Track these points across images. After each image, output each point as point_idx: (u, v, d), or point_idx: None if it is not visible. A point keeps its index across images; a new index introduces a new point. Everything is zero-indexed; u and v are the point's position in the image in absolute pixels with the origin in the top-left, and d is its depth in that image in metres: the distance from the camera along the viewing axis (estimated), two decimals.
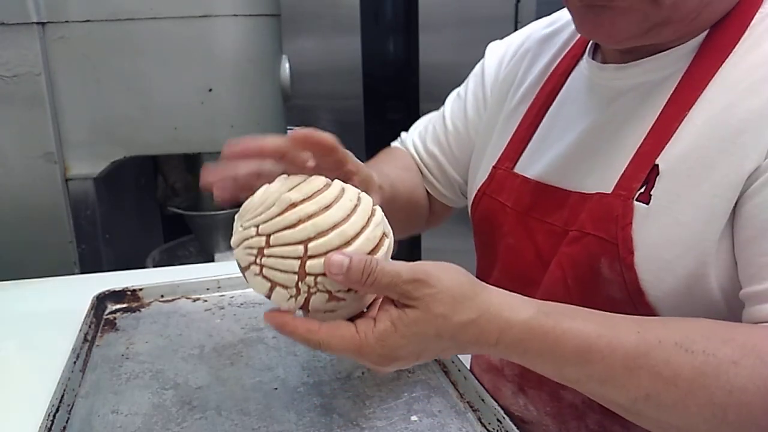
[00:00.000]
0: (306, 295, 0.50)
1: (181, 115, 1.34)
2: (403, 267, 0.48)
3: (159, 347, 0.82)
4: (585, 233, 0.62)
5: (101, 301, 0.91)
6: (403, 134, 0.96)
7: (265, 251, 0.49)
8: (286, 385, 0.72)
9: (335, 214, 0.49)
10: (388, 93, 2.20)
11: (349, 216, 0.50)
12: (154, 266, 1.51)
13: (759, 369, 0.48)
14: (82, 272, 1.34)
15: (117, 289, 0.94)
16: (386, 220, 0.54)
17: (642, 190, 0.59)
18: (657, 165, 0.59)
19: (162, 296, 0.94)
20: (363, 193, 0.54)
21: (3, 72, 1.23)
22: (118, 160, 1.35)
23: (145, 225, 1.80)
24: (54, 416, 0.65)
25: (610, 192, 0.61)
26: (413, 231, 0.95)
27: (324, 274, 0.49)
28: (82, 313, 0.87)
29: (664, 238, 0.57)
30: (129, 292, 0.94)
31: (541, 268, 0.68)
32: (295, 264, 0.49)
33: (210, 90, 1.34)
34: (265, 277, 0.50)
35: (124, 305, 0.93)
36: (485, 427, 0.65)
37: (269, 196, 0.51)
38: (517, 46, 0.84)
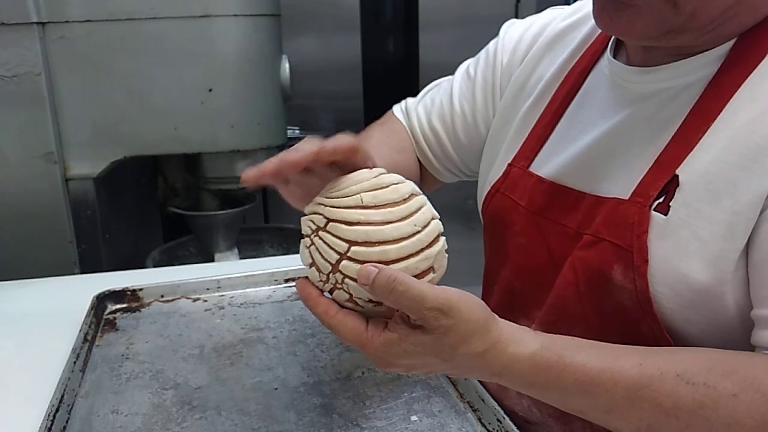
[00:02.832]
0: (332, 286, 0.52)
1: (181, 115, 1.34)
2: (430, 293, 0.49)
3: (159, 347, 0.82)
4: (600, 238, 0.62)
5: (101, 301, 0.91)
6: (409, 102, 0.93)
7: (320, 233, 0.53)
8: (286, 385, 0.72)
9: (389, 233, 0.51)
10: (388, 93, 2.20)
11: (401, 240, 0.51)
12: (154, 266, 1.51)
13: (757, 403, 0.49)
14: (82, 272, 1.34)
15: (117, 289, 0.94)
16: (444, 253, 0.55)
17: (661, 200, 0.58)
18: (677, 176, 0.58)
19: (162, 296, 0.94)
20: (436, 221, 0.54)
21: (3, 72, 1.23)
22: (118, 160, 1.35)
23: (145, 225, 1.80)
24: (54, 416, 0.65)
25: (627, 198, 0.61)
26: None
27: (351, 278, 0.51)
28: (82, 313, 0.87)
29: (681, 251, 0.57)
30: (129, 292, 0.94)
31: (553, 270, 0.68)
32: (335, 257, 0.51)
33: (210, 90, 1.34)
34: (310, 253, 0.53)
35: (124, 305, 0.93)
36: (485, 427, 0.65)
37: (352, 185, 0.54)
38: (534, 36, 0.82)
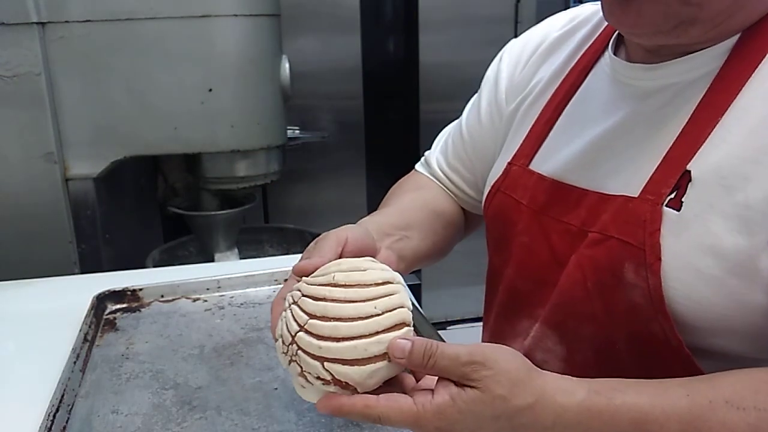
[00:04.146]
0: (289, 359, 0.53)
1: (181, 115, 1.34)
2: (462, 350, 0.49)
3: (159, 347, 0.82)
4: (608, 236, 0.61)
5: (101, 301, 0.91)
6: (427, 153, 0.94)
7: (291, 306, 0.54)
8: (286, 385, 0.72)
9: (345, 311, 0.51)
10: (388, 93, 2.20)
11: (357, 319, 0.51)
12: (154, 266, 1.51)
13: None
14: (82, 272, 1.34)
15: (117, 289, 0.94)
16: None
17: (672, 196, 0.58)
18: (689, 171, 0.57)
19: (162, 296, 0.94)
20: (404, 310, 0.53)
21: (3, 72, 1.23)
22: (118, 160, 1.35)
23: (145, 225, 1.80)
24: (54, 416, 0.65)
25: (636, 195, 0.60)
26: (455, 239, 0.92)
27: (304, 352, 0.51)
28: (82, 313, 0.87)
29: (695, 247, 0.56)
30: (129, 292, 0.94)
31: (556, 268, 0.67)
32: (295, 328, 0.52)
33: (210, 90, 1.34)
34: (280, 324, 0.54)
35: (124, 305, 0.93)
36: None
37: (333, 267, 0.55)
38: (534, 47, 0.82)
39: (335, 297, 0.52)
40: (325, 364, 0.50)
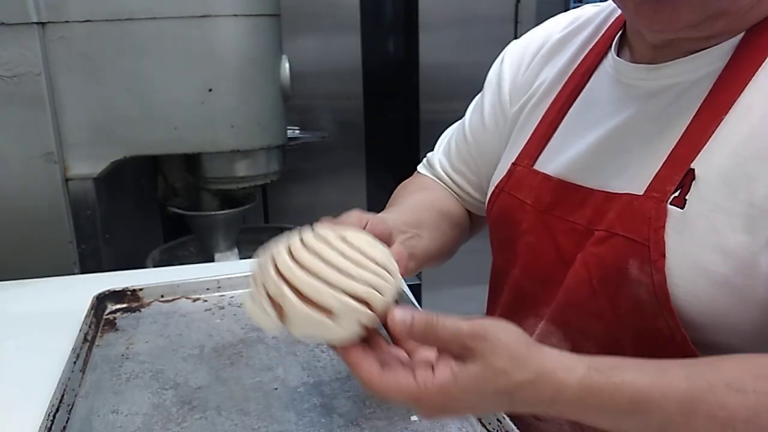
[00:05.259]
0: (262, 285, 0.53)
1: (181, 115, 1.34)
2: (463, 323, 0.49)
3: (159, 347, 0.82)
4: (613, 233, 0.62)
5: (101, 301, 0.91)
6: (430, 155, 0.94)
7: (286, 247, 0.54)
8: (286, 385, 0.72)
9: (339, 262, 0.51)
10: (388, 93, 2.20)
11: (340, 271, 0.51)
12: (154, 266, 1.52)
13: None
14: (82, 272, 1.34)
15: (117, 289, 0.94)
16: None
17: (676, 194, 0.58)
18: (693, 169, 0.58)
19: (162, 296, 0.94)
20: (377, 297, 0.52)
21: (3, 72, 1.23)
22: (118, 160, 1.35)
23: (145, 225, 1.81)
24: (54, 416, 0.65)
25: (641, 193, 0.61)
26: (461, 240, 0.91)
27: (279, 272, 0.51)
28: (82, 313, 0.87)
29: (699, 245, 0.57)
30: (129, 292, 0.94)
31: (563, 267, 0.67)
32: (284, 256, 0.52)
33: (210, 90, 1.34)
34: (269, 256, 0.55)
35: (124, 305, 0.93)
36: (485, 427, 0.65)
37: (346, 230, 0.56)
38: (536, 48, 0.82)
39: (335, 246, 0.52)
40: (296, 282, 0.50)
